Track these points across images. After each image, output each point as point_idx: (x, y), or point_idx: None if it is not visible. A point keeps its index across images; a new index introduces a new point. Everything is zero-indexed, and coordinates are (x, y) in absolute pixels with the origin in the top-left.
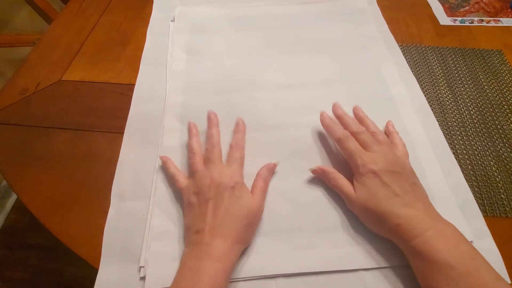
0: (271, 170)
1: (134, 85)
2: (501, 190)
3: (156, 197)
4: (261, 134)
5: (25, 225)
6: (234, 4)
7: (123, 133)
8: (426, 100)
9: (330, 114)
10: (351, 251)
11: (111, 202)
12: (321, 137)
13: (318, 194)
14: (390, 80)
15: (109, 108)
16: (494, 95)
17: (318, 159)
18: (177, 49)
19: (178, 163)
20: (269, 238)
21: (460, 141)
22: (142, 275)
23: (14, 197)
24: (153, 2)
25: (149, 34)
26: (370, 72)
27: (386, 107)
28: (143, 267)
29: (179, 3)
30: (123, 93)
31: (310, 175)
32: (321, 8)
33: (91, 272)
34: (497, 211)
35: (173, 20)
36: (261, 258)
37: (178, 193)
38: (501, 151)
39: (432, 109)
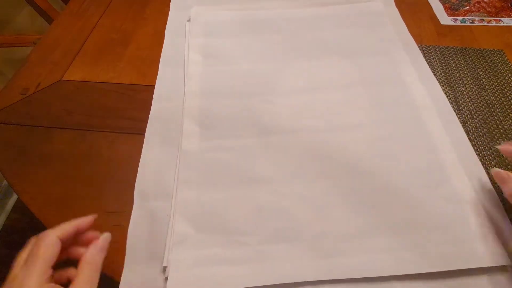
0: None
1: (135, 85)
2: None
3: (176, 201)
4: (280, 138)
5: (26, 225)
6: (250, 4)
7: (124, 133)
8: (448, 102)
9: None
10: (378, 258)
11: (134, 202)
12: (341, 141)
13: (341, 199)
14: (410, 83)
15: (110, 108)
16: (495, 94)
17: (339, 163)
18: (193, 52)
19: (196, 168)
20: (292, 245)
21: None
22: (166, 275)
23: (15, 197)
24: (153, 2)
25: (167, 33)
26: (389, 76)
27: (407, 110)
28: (167, 267)
29: (195, 3)
30: (124, 93)
31: (332, 179)
32: (338, 12)
33: None
34: None
35: (189, 20)
36: (285, 265)
37: (199, 198)
38: None
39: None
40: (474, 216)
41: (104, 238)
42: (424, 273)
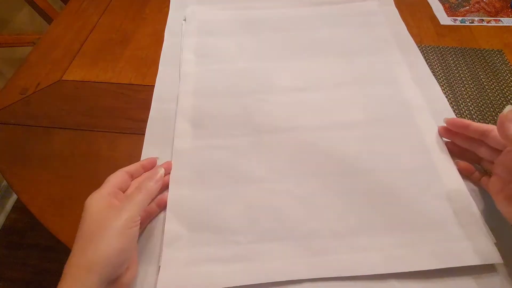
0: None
1: (134, 85)
2: None
3: (169, 201)
4: (273, 137)
5: (25, 225)
6: (246, 3)
7: (124, 133)
8: (447, 102)
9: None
10: (369, 256)
11: None
12: (335, 140)
13: (333, 197)
14: (403, 83)
15: (109, 107)
16: (495, 95)
17: (332, 162)
18: (186, 51)
19: (189, 168)
20: (284, 243)
21: None
22: None
23: (14, 197)
24: (153, 2)
25: (166, 33)
26: (382, 75)
27: (399, 110)
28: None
29: (194, 2)
30: (123, 92)
31: (325, 178)
32: (333, 11)
33: None
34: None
35: (185, 20)
36: (277, 263)
37: (191, 197)
38: None
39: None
40: (465, 214)
41: (158, 171)
42: (422, 272)
